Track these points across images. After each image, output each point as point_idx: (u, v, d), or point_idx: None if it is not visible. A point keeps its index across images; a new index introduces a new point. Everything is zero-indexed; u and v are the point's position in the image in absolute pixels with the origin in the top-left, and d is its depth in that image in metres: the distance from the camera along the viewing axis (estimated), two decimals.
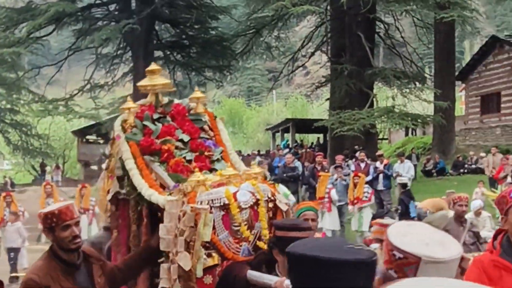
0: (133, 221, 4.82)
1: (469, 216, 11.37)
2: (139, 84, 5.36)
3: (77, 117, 35.83)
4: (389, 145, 40.89)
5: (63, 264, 4.18)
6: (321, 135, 39.33)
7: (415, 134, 39.97)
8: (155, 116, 5.13)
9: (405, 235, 2.19)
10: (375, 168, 20.35)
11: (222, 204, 4.19)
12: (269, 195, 4.47)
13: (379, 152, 23.55)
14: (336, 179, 17.96)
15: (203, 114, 5.35)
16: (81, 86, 33.94)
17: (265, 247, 4.26)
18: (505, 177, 19.06)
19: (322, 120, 28.33)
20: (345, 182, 17.81)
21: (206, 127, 5.31)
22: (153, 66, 5.33)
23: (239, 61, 34.66)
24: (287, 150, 33.00)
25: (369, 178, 19.83)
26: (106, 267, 4.44)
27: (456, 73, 33.35)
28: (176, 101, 5.45)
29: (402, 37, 31.06)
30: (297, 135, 42.94)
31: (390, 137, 44.65)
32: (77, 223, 4.21)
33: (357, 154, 22.30)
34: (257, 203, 4.33)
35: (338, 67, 27.28)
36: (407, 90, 27.11)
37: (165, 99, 5.36)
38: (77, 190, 18.29)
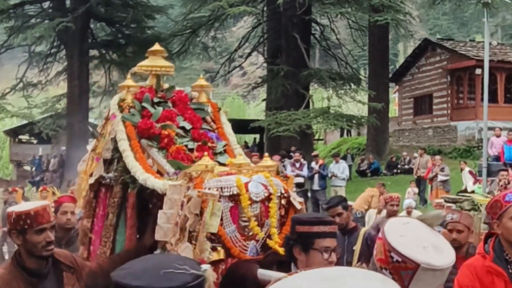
0: (113, 210, 4.38)
1: (401, 215, 11.64)
2: (139, 64, 4.88)
3: (9, 116, 35.07)
4: (325, 146, 41.38)
5: (27, 273, 3.79)
6: (257, 136, 39.50)
7: (350, 135, 40.58)
8: (155, 99, 4.71)
9: (402, 235, 2.18)
10: (311, 168, 20.67)
11: (232, 193, 3.74)
12: (282, 191, 4.04)
13: (314, 153, 23.87)
14: None
15: (206, 104, 4.93)
16: (14, 85, 33.25)
17: (275, 246, 3.80)
18: (434, 177, 19.63)
19: (258, 120, 28.53)
20: None
21: (208, 118, 4.89)
22: (156, 46, 4.91)
23: (176, 61, 34.51)
24: None
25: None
26: (85, 271, 4.00)
27: (390, 75, 34.02)
28: (177, 88, 5.03)
29: (337, 39, 31.51)
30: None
31: (325, 138, 45.18)
32: (52, 227, 3.80)
33: (293, 154, 22.54)
34: (269, 197, 3.89)
35: (274, 68, 27.53)
36: (342, 92, 27.59)
37: (166, 85, 4.96)
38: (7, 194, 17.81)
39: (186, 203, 3.64)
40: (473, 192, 19.75)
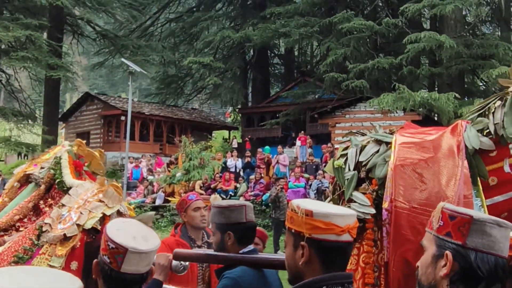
0: (33, 200, 4.02)
1: None
2: (87, 149, 4.59)
3: None
4: (5, 165, 38.05)
5: None
6: None
7: (27, 158, 38.05)
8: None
9: (119, 229, 2.11)
10: None
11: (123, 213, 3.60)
12: None
13: None
14: None
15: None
16: None
17: None
18: None
19: None
20: None
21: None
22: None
23: None
24: None
25: None
26: None
27: (59, 116, 32.97)
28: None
29: (19, 85, 29.54)
30: None
31: (6, 160, 41.54)
32: None
33: None
34: None
35: None
36: (22, 125, 26.14)
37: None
38: None
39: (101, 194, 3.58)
40: None
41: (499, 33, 25.13)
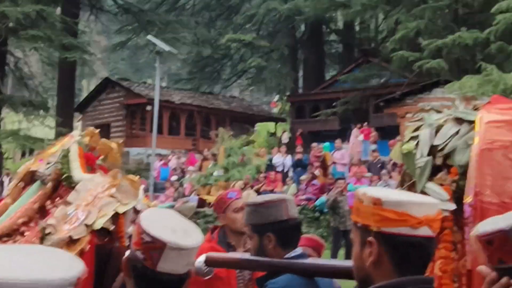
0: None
1: None
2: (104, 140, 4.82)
3: None
4: (14, 163, 39.36)
5: None
6: None
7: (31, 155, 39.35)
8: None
9: (156, 220, 2.09)
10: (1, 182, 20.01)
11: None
12: None
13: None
14: None
15: None
16: None
17: None
18: None
19: None
20: None
21: None
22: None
23: None
24: None
25: None
26: None
27: (75, 106, 33.81)
28: None
29: (30, 70, 30.47)
30: None
31: (14, 156, 42.97)
32: None
33: None
34: None
35: None
36: (32, 117, 26.95)
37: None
38: None
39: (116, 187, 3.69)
40: None
41: None
